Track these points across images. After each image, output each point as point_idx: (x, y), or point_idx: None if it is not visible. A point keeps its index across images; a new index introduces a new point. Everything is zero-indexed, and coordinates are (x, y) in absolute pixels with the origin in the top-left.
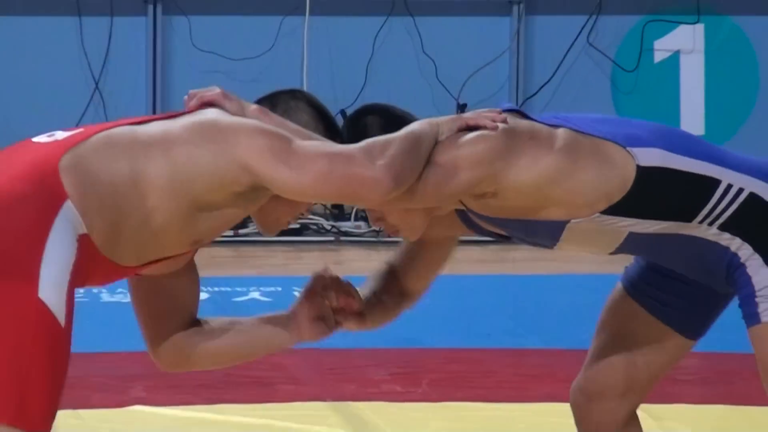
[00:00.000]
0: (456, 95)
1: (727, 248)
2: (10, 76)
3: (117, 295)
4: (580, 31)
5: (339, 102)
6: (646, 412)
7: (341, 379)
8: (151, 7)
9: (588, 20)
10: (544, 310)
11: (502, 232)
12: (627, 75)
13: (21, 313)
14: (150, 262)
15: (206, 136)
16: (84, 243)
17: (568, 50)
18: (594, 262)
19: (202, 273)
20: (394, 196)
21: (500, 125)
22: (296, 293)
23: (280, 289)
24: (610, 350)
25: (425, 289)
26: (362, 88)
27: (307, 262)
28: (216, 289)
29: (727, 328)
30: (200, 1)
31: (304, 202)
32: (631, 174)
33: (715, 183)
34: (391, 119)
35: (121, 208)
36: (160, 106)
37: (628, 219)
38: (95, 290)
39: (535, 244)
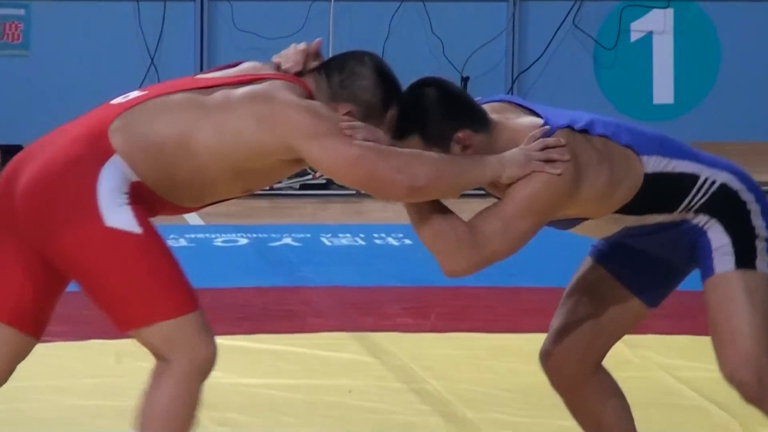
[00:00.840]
0: (460, 69)
1: (696, 225)
2: (78, 54)
3: (171, 239)
4: (567, 15)
5: None
6: (622, 342)
7: (361, 313)
8: None
9: (573, 5)
10: (535, 253)
11: None
12: (607, 52)
13: (104, 244)
14: (208, 204)
15: (257, 113)
16: (139, 187)
17: (557, 31)
18: None
19: (242, 222)
20: (409, 199)
21: (564, 164)
22: (323, 240)
23: (309, 235)
24: (577, 314)
25: None
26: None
27: (332, 213)
28: (254, 235)
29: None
30: None
31: None
32: (640, 181)
33: (695, 178)
34: (447, 93)
35: (171, 163)
36: None
37: (629, 216)
38: None
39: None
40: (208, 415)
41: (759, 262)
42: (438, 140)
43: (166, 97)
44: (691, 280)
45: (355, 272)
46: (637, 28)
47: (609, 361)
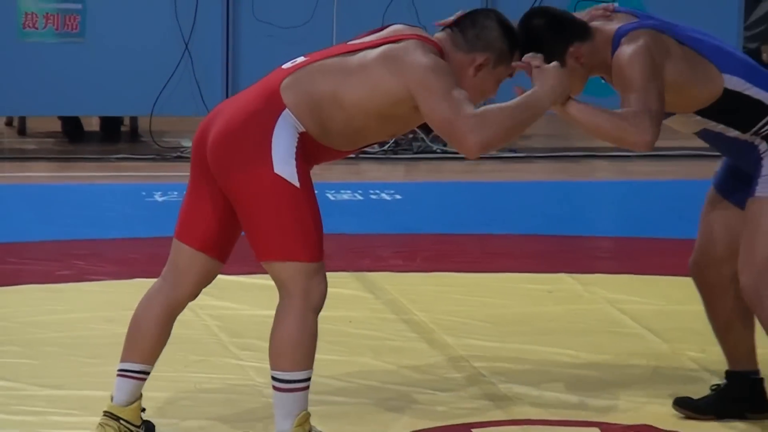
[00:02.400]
0: None
1: (758, 149)
2: (124, 41)
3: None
4: (532, 6)
5: None
6: (575, 279)
7: (360, 256)
8: None
9: (535, 1)
10: (504, 206)
11: None
12: None
13: (269, 187)
14: (362, 147)
15: (390, 67)
16: (304, 137)
17: None
18: (540, 172)
19: None
20: (480, 152)
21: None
22: (327, 195)
23: (317, 191)
24: (711, 232)
25: None
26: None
27: (335, 173)
28: None
29: (632, 219)
30: None
31: (494, 86)
32: (719, 92)
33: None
34: (554, 19)
35: (327, 116)
36: (231, 61)
37: (708, 120)
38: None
39: None
40: (232, 340)
41: None
42: (556, 58)
43: (323, 61)
44: (635, 228)
45: (354, 222)
46: None
47: (562, 296)
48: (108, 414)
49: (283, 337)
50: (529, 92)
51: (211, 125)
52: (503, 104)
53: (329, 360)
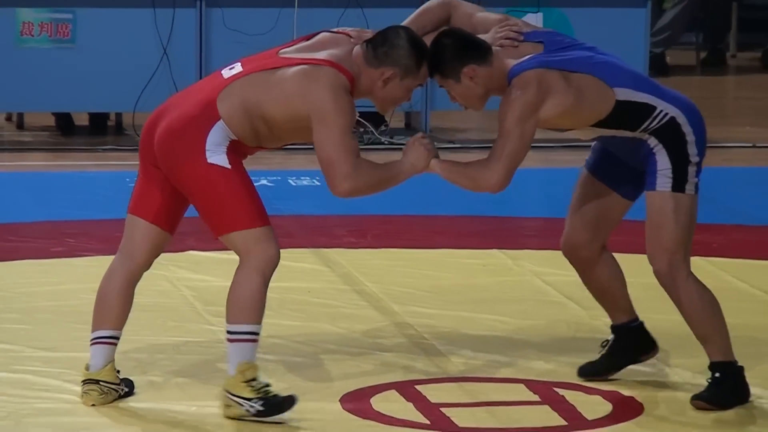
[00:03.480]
0: None
1: (649, 145)
2: (110, 47)
3: None
4: None
5: None
6: (506, 255)
7: (317, 234)
8: (198, 3)
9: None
10: (444, 190)
11: None
12: None
13: (205, 174)
14: (285, 145)
15: (300, 90)
16: (236, 142)
17: None
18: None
19: None
20: (345, 196)
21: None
22: (290, 181)
23: (279, 178)
24: (581, 211)
25: None
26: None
27: (296, 161)
28: None
29: (555, 202)
30: (229, 0)
31: (405, 95)
32: (612, 105)
33: (653, 109)
34: (459, 41)
35: (254, 124)
36: (204, 64)
37: (602, 129)
38: None
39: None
40: (206, 308)
41: (688, 186)
42: (452, 75)
43: (252, 75)
44: (557, 210)
45: (312, 205)
46: None
47: (494, 269)
48: (87, 381)
49: (232, 294)
50: (395, 161)
51: (158, 121)
52: (376, 164)
53: (291, 325)
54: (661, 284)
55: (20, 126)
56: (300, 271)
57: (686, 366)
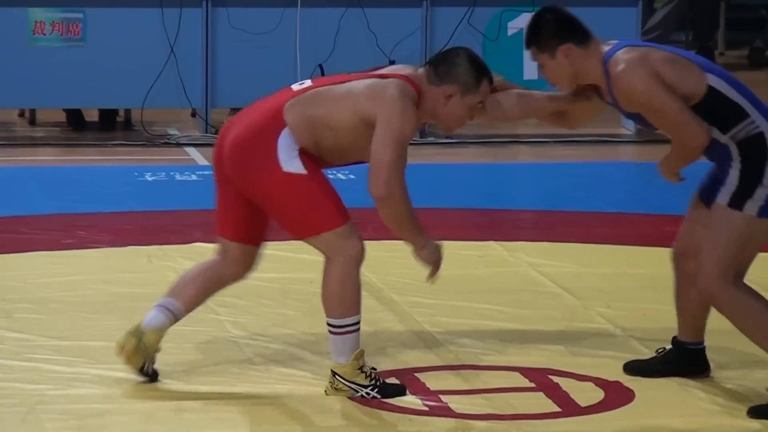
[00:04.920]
0: (388, 55)
1: (731, 155)
2: (119, 45)
3: (185, 175)
4: (463, 17)
5: (317, 57)
6: (502, 246)
7: None
8: (204, 3)
9: (468, 10)
10: (442, 184)
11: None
12: (491, 43)
13: (283, 184)
14: (351, 163)
15: (369, 97)
16: (303, 151)
17: (456, 28)
18: (472, 155)
19: None
20: (376, 198)
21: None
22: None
23: None
24: (692, 230)
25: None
26: (331, 51)
27: None
28: None
29: (550, 196)
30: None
31: (466, 113)
32: (704, 88)
33: (746, 116)
34: (561, 18)
35: (318, 135)
36: (210, 62)
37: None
38: (171, 173)
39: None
40: (212, 299)
41: (749, 205)
42: (548, 49)
43: (320, 88)
44: (552, 203)
45: None
46: (513, 26)
47: (491, 260)
48: (133, 332)
49: (330, 290)
50: (423, 233)
51: (226, 135)
52: (412, 210)
53: (293, 315)
54: (702, 296)
55: (32, 122)
56: (302, 263)
57: None
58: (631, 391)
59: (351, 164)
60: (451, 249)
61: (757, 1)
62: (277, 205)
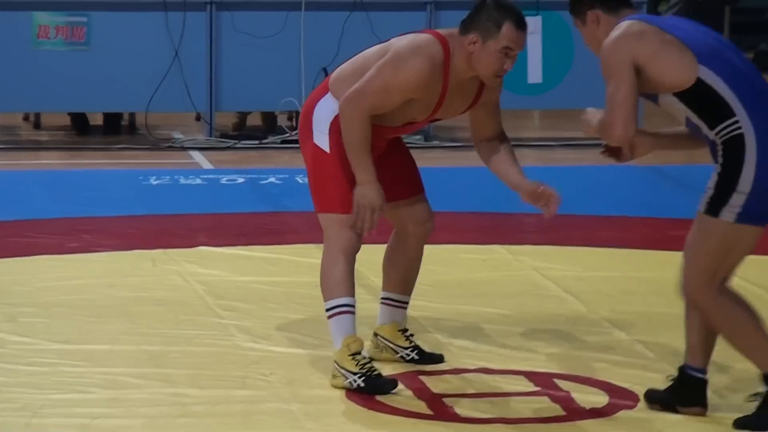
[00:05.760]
0: None
1: (717, 150)
2: (123, 49)
3: (189, 179)
4: None
5: (321, 61)
6: (506, 250)
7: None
8: (209, 6)
9: None
10: (446, 187)
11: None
12: None
13: (310, 152)
14: (414, 123)
15: (398, 41)
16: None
17: None
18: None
19: (240, 166)
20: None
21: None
22: (298, 179)
23: (287, 176)
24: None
25: None
26: (336, 54)
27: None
28: (249, 176)
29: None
30: (238, 3)
31: (495, 60)
32: (693, 79)
33: (731, 114)
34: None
35: None
36: (214, 65)
37: (686, 107)
38: (176, 176)
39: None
40: (215, 302)
41: (725, 211)
42: (578, 13)
43: (359, 54)
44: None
45: None
46: None
47: (495, 264)
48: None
49: (321, 275)
50: (368, 170)
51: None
52: (366, 143)
53: (298, 318)
54: (687, 300)
55: (37, 126)
56: (307, 266)
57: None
58: (635, 395)
59: (417, 125)
60: (455, 253)
61: (761, 5)
62: (308, 171)
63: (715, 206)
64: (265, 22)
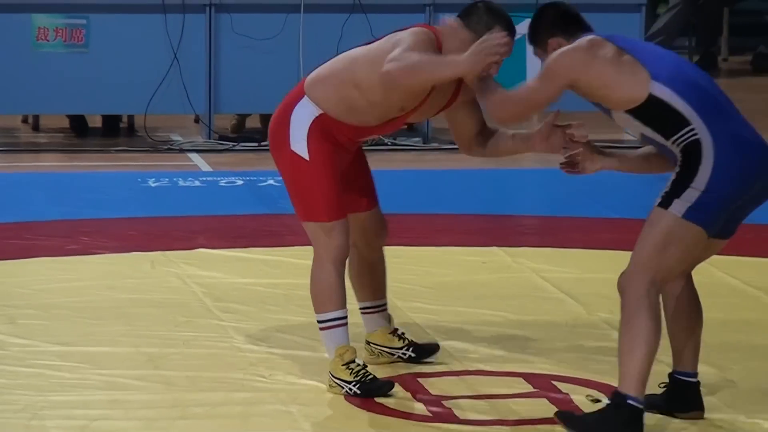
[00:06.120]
0: None
1: (677, 157)
2: (123, 51)
3: (188, 181)
4: None
5: (320, 63)
6: (505, 252)
7: None
8: (208, 9)
9: None
10: (445, 190)
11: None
12: None
13: (287, 159)
14: (393, 123)
15: (389, 43)
16: (321, 118)
17: None
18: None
19: (239, 169)
20: (399, 80)
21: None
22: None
23: None
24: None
25: None
26: (335, 55)
27: None
28: (247, 178)
29: (553, 201)
30: (237, 5)
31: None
32: (644, 95)
33: (686, 123)
34: (557, 13)
35: (348, 98)
36: (213, 68)
37: (639, 123)
38: (174, 179)
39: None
40: (214, 304)
41: (676, 204)
42: (539, 42)
43: (340, 54)
44: (555, 209)
45: None
46: (516, 31)
47: (494, 266)
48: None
49: (311, 287)
50: (452, 63)
51: None
52: (423, 58)
53: (297, 320)
54: (618, 286)
55: (36, 128)
56: (306, 268)
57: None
58: None
59: (394, 126)
60: (454, 255)
61: (760, 7)
62: (284, 179)
63: (668, 199)
64: (264, 24)
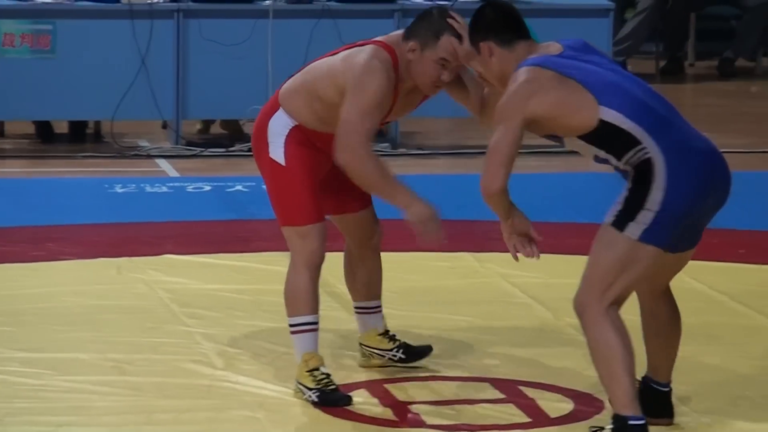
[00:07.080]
0: None
1: (628, 175)
2: (89, 56)
3: (155, 187)
4: None
5: (289, 68)
6: (473, 257)
7: None
8: (176, 14)
9: None
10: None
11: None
12: None
13: (267, 166)
14: None
15: (345, 65)
16: (298, 128)
17: None
18: (444, 166)
19: (207, 174)
20: (342, 161)
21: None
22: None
23: (254, 184)
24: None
25: None
26: (304, 62)
27: None
28: (215, 184)
29: (521, 206)
30: (206, 11)
31: (433, 71)
32: (594, 121)
33: (637, 143)
34: (498, 15)
35: (314, 107)
36: (181, 73)
37: (591, 146)
38: (142, 185)
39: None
40: (181, 310)
41: (631, 227)
42: (474, 42)
43: (309, 65)
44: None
45: None
46: None
47: (462, 271)
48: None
49: (285, 290)
50: (404, 187)
51: None
52: (384, 168)
53: (265, 326)
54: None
55: (0, 134)
56: (274, 274)
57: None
58: (601, 402)
59: None
60: (423, 260)
61: (727, 12)
62: (266, 187)
63: (621, 221)
64: (233, 30)
